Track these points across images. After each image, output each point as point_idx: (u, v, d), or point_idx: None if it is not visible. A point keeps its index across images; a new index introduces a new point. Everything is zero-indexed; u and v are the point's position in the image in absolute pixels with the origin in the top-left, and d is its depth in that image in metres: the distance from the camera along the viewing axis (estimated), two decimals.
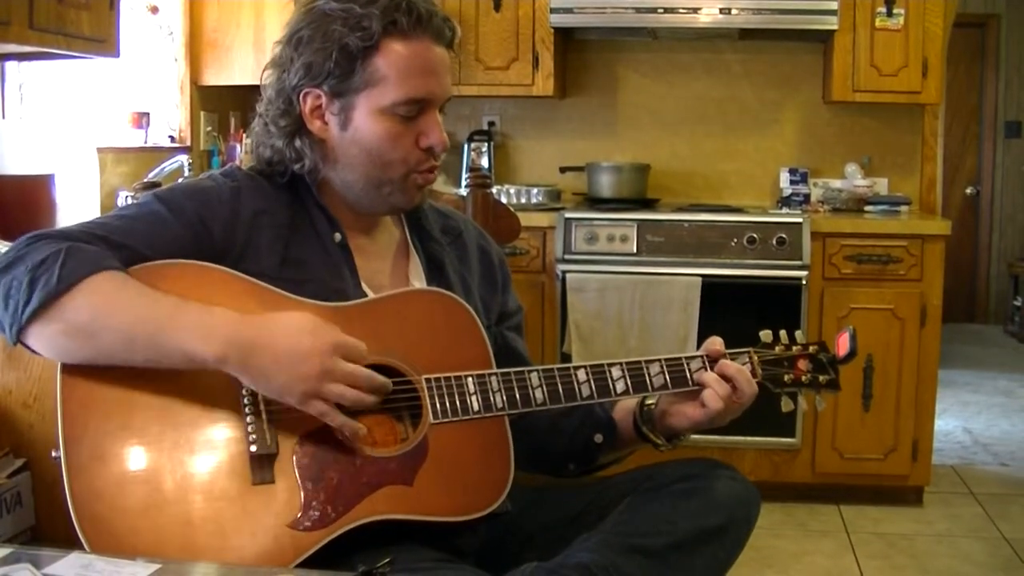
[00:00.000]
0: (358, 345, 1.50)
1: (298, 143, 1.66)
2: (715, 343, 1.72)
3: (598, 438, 1.80)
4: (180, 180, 1.96)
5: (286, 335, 1.46)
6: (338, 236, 1.69)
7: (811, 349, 1.78)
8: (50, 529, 2.05)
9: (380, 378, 1.50)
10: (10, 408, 2.06)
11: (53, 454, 1.44)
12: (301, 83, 1.63)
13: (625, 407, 1.81)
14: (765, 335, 1.78)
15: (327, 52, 1.60)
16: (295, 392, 1.45)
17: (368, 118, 1.62)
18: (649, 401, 1.77)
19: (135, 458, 1.44)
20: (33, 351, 1.48)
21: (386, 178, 1.66)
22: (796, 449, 4.10)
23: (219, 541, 1.41)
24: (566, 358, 4.03)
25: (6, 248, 1.51)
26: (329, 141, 1.66)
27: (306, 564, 1.44)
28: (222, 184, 1.66)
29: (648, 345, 3.98)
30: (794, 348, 1.78)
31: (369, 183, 1.67)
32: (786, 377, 1.76)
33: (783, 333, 1.78)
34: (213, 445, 1.46)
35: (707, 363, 1.70)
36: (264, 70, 1.71)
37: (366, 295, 1.68)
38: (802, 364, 1.77)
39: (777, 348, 1.77)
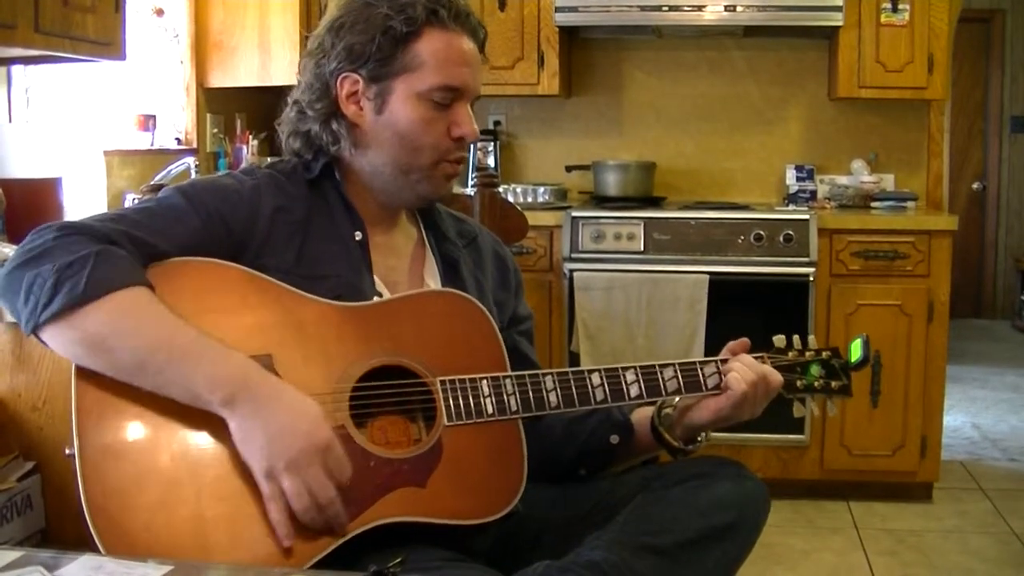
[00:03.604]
0: (344, 463, 1.47)
1: (334, 125, 1.69)
2: (742, 341, 1.73)
3: (614, 439, 1.79)
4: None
5: (290, 409, 1.45)
6: (359, 234, 1.70)
7: (824, 355, 1.78)
8: (60, 532, 2.05)
9: (339, 507, 1.45)
10: (20, 411, 2.07)
11: (67, 451, 1.44)
12: (340, 66, 1.67)
13: (643, 411, 1.81)
14: (778, 340, 1.78)
15: (370, 35, 1.64)
16: (262, 460, 1.42)
17: (404, 102, 1.66)
18: (667, 409, 1.77)
19: (149, 455, 1.43)
20: (45, 344, 1.49)
21: (416, 164, 1.69)
22: (805, 446, 4.10)
23: (232, 541, 1.41)
24: (574, 357, 4.03)
25: (31, 237, 1.51)
26: (363, 126, 1.69)
27: (317, 565, 1.44)
28: (242, 181, 1.68)
29: (656, 343, 3.98)
30: (807, 353, 1.78)
31: (398, 168, 1.69)
32: (799, 383, 1.76)
33: (796, 338, 1.78)
34: (227, 444, 1.46)
35: (720, 367, 1.70)
36: (300, 61, 1.76)
37: (380, 293, 1.69)
38: (815, 370, 1.77)
39: (790, 353, 1.77)
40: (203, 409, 1.45)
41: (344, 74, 1.67)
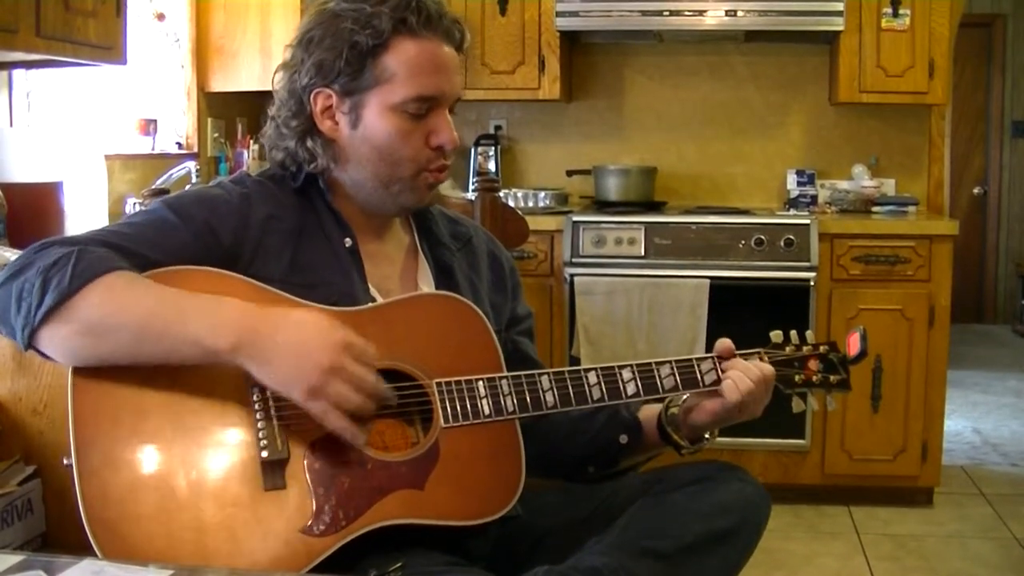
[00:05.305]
0: (368, 346, 1.49)
1: (309, 143, 1.67)
2: (725, 342, 1.72)
3: (623, 439, 1.79)
4: (189, 187, 1.97)
5: (298, 327, 1.46)
6: (348, 241, 1.69)
7: (821, 349, 1.78)
8: (61, 536, 2.05)
9: (385, 387, 1.49)
10: (20, 415, 2.07)
11: (65, 461, 1.44)
12: (312, 82, 1.64)
13: (650, 409, 1.81)
14: (775, 336, 1.78)
15: (337, 51, 1.61)
16: (300, 385, 1.44)
17: (378, 116, 1.63)
18: (673, 409, 1.77)
19: (147, 464, 1.44)
20: (44, 355, 1.48)
21: (396, 176, 1.67)
22: (805, 451, 4.10)
23: (231, 547, 1.41)
24: (575, 361, 4.03)
25: (15, 256, 1.52)
26: (339, 141, 1.67)
27: (317, 569, 1.44)
28: (232, 191, 1.67)
29: (657, 348, 3.98)
30: (804, 348, 1.78)
31: (379, 181, 1.68)
32: (797, 377, 1.75)
33: (793, 334, 1.78)
34: (224, 450, 1.46)
35: (717, 363, 1.70)
36: (275, 73, 1.72)
37: (375, 299, 1.68)
38: (813, 364, 1.77)
39: (787, 348, 1.77)
40: (213, 375, 1.46)
41: (317, 89, 1.65)
